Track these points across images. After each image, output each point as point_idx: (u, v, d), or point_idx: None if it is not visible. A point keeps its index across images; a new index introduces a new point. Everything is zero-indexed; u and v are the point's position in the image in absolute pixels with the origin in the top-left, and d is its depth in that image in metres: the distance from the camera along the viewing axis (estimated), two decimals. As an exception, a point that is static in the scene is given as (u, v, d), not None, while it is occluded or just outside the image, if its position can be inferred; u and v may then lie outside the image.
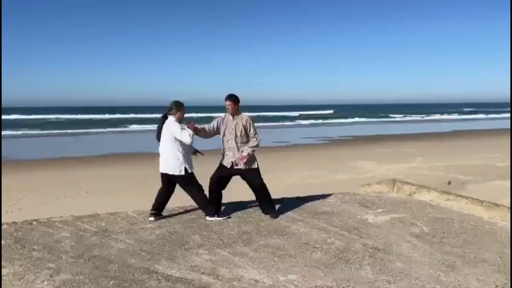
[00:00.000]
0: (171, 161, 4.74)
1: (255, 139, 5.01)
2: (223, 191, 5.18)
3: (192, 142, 4.66)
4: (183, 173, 4.73)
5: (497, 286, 3.36)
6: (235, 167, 5.00)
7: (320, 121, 49.46)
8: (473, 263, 3.77)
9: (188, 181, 4.81)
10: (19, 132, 29.94)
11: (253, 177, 4.99)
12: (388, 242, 4.26)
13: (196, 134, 4.86)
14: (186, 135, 4.65)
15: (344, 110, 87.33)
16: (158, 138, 4.85)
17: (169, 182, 4.89)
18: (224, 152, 5.11)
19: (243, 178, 5.07)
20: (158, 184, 5.06)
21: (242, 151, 4.96)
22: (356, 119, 52.23)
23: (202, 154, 5.05)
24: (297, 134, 30.46)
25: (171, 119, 4.79)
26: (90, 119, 48.14)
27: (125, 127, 36.65)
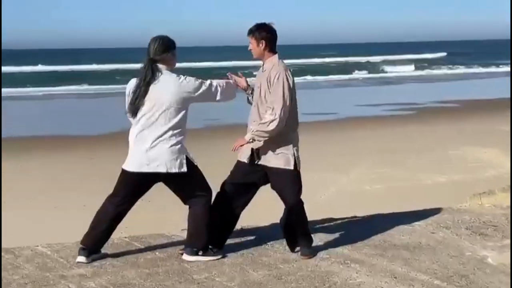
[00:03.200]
0: (163, 150, 4.82)
1: (270, 112, 4.92)
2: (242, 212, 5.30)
3: (229, 98, 5.13)
4: (185, 169, 4.87)
5: None
6: (257, 161, 5.08)
7: (407, 70, 52.46)
8: None
9: (191, 181, 4.96)
10: None
11: (282, 187, 5.08)
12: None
13: (246, 92, 5.25)
14: (216, 88, 5.02)
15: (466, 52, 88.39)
16: (135, 110, 4.87)
17: (140, 190, 5.03)
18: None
19: (272, 186, 5.18)
20: (106, 194, 5.07)
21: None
22: (477, 69, 53.55)
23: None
24: (354, 97, 31.03)
25: (165, 71, 4.89)
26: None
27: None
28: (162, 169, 4.82)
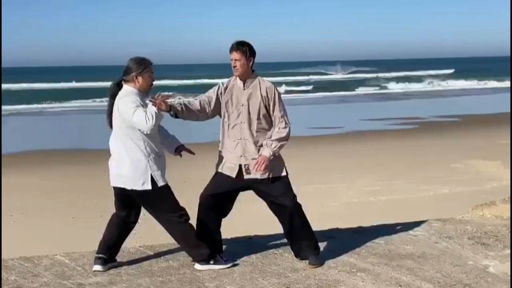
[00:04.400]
0: (127, 167, 4.75)
1: (283, 124, 4.95)
2: (224, 219, 5.23)
3: (152, 128, 4.60)
4: (148, 187, 4.75)
5: None
6: (246, 176, 4.98)
7: (417, 86, 52.49)
8: None
9: (158, 201, 4.84)
10: None
11: (278, 194, 5.03)
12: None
13: (169, 112, 4.83)
14: (140, 117, 4.57)
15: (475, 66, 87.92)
16: (110, 123, 4.92)
17: (128, 204, 4.96)
18: (222, 148, 5.09)
19: (261, 195, 5.13)
20: (109, 206, 5.10)
21: (260, 150, 4.94)
22: (483, 84, 53.39)
23: (193, 153, 5.06)
24: (359, 111, 31.10)
25: (123, 90, 4.80)
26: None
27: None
28: (127, 186, 4.76)
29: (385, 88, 52.26)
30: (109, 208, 5.08)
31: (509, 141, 15.89)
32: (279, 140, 4.90)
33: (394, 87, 51.73)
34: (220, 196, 5.04)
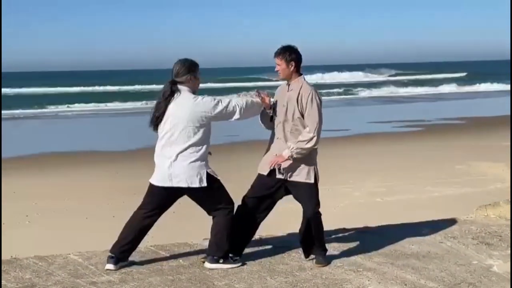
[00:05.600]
0: (184, 165, 4.81)
1: (308, 130, 4.95)
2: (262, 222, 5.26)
3: (243, 115, 4.95)
4: (205, 183, 4.83)
5: None
6: (278, 176, 5.04)
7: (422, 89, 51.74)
8: None
9: (213, 195, 4.92)
10: None
11: (302, 200, 5.06)
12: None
13: (267, 110, 5.10)
14: (233, 104, 4.88)
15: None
16: (156, 125, 4.92)
17: (166, 203, 5.00)
18: (268, 147, 5.19)
19: (294, 198, 5.15)
20: (133, 205, 5.08)
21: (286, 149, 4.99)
22: (492, 86, 53.28)
23: (210, 154, 5.08)
24: (365, 114, 30.85)
25: (186, 91, 4.87)
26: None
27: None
28: (183, 184, 4.80)
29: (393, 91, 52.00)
30: (122, 208, 5.09)
31: (512, 143, 15.80)
32: (300, 144, 4.90)
33: (404, 91, 51.14)
34: (259, 198, 5.09)
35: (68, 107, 37.08)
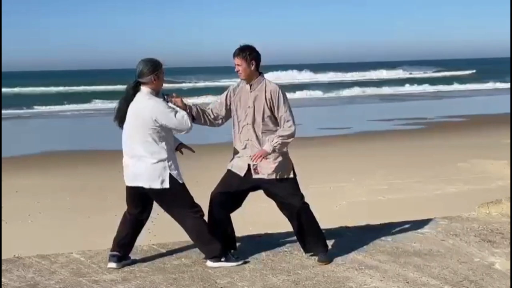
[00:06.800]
0: (146, 166, 4.78)
1: (289, 124, 4.96)
2: (235, 218, 5.24)
3: (190, 128, 4.81)
4: (167, 185, 4.78)
5: None
6: (254, 176, 4.99)
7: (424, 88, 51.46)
8: None
9: (175, 198, 4.87)
10: None
11: (286, 195, 5.03)
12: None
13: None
14: (182, 118, 4.73)
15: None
16: (121, 123, 4.93)
17: (142, 202, 4.97)
18: (234, 149, 5.12)
19: (270, 195, 5.14)
20: (124, 205, 5.11)
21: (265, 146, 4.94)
22: (498, 85, 52.34)
23: (193, 151, 5.10)
24: (365, 113, 30.90)
25: (144, 92, 4.82)
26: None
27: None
28: (145, 185, 4.78)
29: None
30: (123, 207, 5.09)
31: (514, 141, 15.79)
32: (282, 137, 4.89)
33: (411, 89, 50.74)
34: (230, 194, 5.04)
35: (69, 106, 37.09)
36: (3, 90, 46.23)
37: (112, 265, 4.90)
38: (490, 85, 52.64)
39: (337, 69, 76.92)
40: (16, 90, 53.80)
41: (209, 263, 4.95)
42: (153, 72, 4.79)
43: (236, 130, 5.05)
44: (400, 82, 57.10)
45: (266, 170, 4.93)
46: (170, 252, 5.33)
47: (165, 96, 4.86)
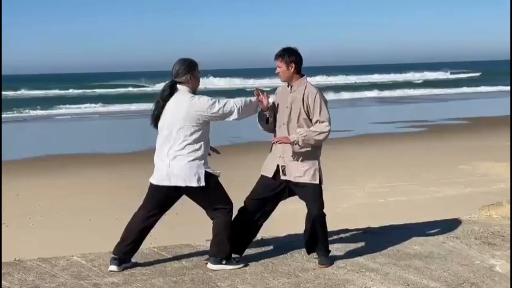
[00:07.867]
0: (181, 165, 4.80)
1: (325, 124, 4.94)
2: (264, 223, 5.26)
3: (241, 115, 4.91)
4: (203, 183, 4.82)
5: None
6: (282, 177, 5.02)
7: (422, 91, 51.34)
8: None
9: (211, 195, 4.91)
10: None
11: (306, 200, 5.06)
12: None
13: (264, 112, 5.04)
14: (230, 104, 4.85)
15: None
16: (156, 124, 4.95)
17: (167, 201, 4.99)
18: (271, 149, 5.17)
19: (300, 198, 5.15)
20: (136, 207, 5.09)
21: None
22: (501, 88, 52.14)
23: (218, 152, 5.16)
24: (367, 116, 30.93)
25: (184, 91, 4.87)
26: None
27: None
28: (181, 183, 4.80)
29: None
30: (125, 210, 5.09)
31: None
32: (311, 131, 4.87)
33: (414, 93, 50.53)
34: (263, 199, 5.08)
35: (69, 109, 37.15)
36: (4, 92, 46.39)
37: (113, 268, 4.89)
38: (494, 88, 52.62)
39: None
40: (18, 92, 53.95)
41: (210, 266, 4.95)
42: (189, 71, 4.86)
43: (275, 129, 5.10)
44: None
45: (294, 172, 4.95)
46: (171, 255, 5.32)
47: (258, 90, 4.96)
